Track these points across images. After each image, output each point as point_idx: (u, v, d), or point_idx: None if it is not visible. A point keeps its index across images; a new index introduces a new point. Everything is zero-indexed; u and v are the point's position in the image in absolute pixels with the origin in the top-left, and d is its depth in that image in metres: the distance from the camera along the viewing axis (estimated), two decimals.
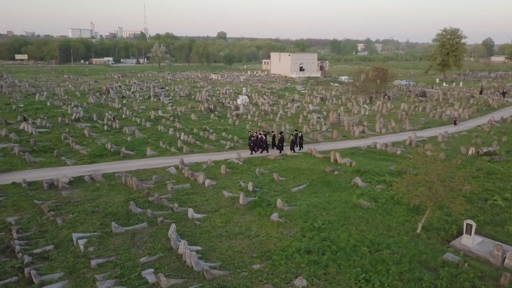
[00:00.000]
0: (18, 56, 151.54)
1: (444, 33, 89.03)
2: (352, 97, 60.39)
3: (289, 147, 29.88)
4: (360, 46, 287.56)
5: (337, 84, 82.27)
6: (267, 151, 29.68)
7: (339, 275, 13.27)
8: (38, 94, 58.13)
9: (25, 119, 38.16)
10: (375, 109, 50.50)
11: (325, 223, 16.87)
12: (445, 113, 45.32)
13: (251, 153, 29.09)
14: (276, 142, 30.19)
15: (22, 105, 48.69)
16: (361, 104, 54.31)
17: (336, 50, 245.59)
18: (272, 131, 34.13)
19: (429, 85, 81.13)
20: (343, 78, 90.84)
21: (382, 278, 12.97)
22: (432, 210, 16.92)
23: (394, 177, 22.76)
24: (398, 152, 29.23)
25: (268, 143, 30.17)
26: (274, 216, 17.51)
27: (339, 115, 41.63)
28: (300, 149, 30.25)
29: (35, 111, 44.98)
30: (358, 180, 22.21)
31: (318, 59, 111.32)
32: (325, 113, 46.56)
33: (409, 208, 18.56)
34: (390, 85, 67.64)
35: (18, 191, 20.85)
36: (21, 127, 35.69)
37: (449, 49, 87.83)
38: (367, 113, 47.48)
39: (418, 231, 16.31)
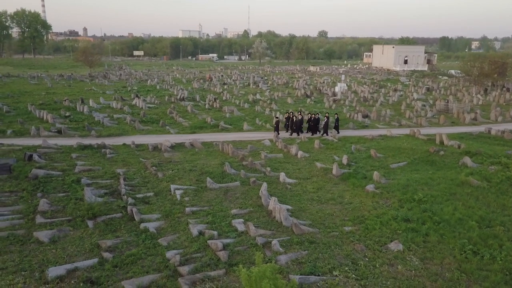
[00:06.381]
0: (135, 53, 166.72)
1: None
2: (463, 88, 55.20)
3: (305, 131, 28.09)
4: (475, 44, 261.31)
5: (445, 78, 76.03)
6: (298, 134, 27.80)
7: (441, 244, 12.03)
8: (149, 80, 63.66)
9: (137, 96, 42.09)
10: (490, 99, 45.51)
11: (427, 197, 15.49)
12: None
13: (278, 134, 26.99)
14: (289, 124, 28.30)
15: (136, 88, 53.70)
16: (473, 94, 49.33)
17: (446, 47, 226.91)
18: (368, 115, 32.62)
19: None
20: (453, 71, 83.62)
21: (494, 252, 11.45)
22: None
23: None
24: None
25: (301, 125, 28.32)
26: (370, 187, 16.57)
27: (447, 102, 38.30)
28: (337, 132, 28.09)
29: (146, 92, 49.23)
30: (467, 160, 20.05)
31: (425, 52, 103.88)
32: (431, 102, 43.26)
33: None
34: (510, 79, 60.39)
35: (127, 151, 22.87)
36: (133, 102, 39.46)
37: None
38: (480, 102, 43.00)
39: None
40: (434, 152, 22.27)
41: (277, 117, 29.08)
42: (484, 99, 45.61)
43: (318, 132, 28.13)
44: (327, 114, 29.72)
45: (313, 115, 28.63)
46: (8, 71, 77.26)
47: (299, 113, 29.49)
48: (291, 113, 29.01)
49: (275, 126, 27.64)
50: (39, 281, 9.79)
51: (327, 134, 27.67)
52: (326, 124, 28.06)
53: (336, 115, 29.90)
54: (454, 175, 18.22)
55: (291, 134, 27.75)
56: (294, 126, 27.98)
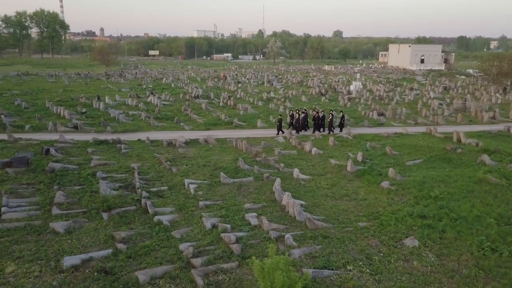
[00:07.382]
0: (151, 52, 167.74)
1: None
2: (481, 87, 54.16)
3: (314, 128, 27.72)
4: (493, 44, 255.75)
5: (463, 77, 74.73)
6: (299, 131, 27.53)
7: (457, 241, 11.80)
8: (164, 78, 64.14)
9: (152, 93, 42.46)
10: (510, 98, 44.60)
11: (443, 194, 15.22)
12: None
13: (278, 133, 26.80)
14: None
15: (151, 86, 54.08)
16: (492, 93, 48.39)
17: (464, 47, 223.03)
18: (383, 113, 32.26)
19: None
20: (471, 71, 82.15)
21: None
22: None
23: None
24: None
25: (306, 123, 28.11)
26: (385, 184, 16.37)
27: (465, 101, 37.64)
28: (340, 130, 27.77)
29: (161, 90, 49.61)
30: (485, 157, 19.67)
31: (442, 52, 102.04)
32: (448, 100, 42.56)
33: None
34: None
35: (142, 146, 23.08)
36: (148, 99, 39.83)
37: None
38: (499, 101, 42.16)
39: None
40: (451, 150, 21.91)
41: (280, 115, 28.65)
42: (503, 98, 44.74)
43: (322, 130, 27.92)
44: (331, 111, 29.42)
45: (317, 113, 28.39)
46: (27, 69, 78.80)
47: (303, 110, 29.25)
48: (296, 111, 28.82)
49: (278, 125, 27.28)
50: (54, 270, 9.92)
51: (332, 132, 27.49)
52: (331, 121, 27.83)
53: (341, 112, 29.59)
54: (472, 172, 17.89)
55: (297, 132, 27.39)
56: (297, 123, 27.76)
